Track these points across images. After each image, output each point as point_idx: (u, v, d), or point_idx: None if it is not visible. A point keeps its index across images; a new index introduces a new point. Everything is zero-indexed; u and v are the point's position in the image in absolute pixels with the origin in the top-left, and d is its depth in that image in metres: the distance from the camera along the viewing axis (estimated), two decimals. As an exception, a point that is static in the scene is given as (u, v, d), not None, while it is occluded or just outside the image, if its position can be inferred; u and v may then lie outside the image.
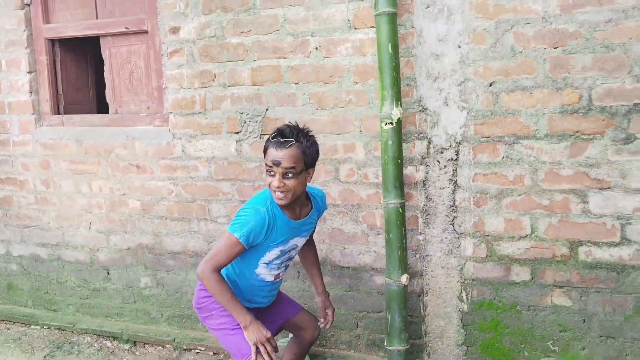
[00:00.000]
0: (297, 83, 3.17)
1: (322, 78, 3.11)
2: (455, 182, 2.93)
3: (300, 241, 2.61)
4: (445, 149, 2.93)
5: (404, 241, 2.75)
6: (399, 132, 2.68)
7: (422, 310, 3.11)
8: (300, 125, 2.43)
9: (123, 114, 3.72)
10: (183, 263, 3.63)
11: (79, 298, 3.99)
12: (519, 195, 2.83)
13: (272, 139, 2.34)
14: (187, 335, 3.62)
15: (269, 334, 2.41)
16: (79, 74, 4.08)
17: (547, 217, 2.80)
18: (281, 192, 2.33)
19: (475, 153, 2.88)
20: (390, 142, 2.67)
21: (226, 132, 3.38)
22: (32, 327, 4.01)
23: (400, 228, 2.74)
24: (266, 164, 2.34)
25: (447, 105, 2.90)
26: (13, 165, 4.01)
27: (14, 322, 4.09)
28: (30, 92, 3.86)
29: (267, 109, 3.26)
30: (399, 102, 2.65)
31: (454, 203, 2.95)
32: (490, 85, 2.81)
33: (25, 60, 3.83)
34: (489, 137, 2.85)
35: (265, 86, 3.25)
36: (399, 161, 2.69)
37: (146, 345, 3.69)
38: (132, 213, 3.71)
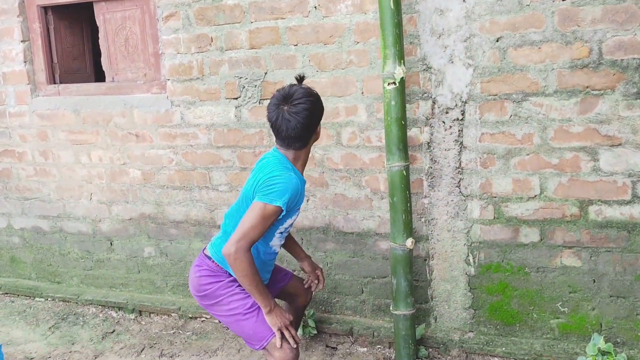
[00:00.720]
0: (296, 44, 3.07)
1: (321, 38, 3.01)
2: (461, 143, 2.85)
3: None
4: (450, 108, 2.84)
5: (408, 204, 2.68)
6: (403, 92, 2.59)
7: (428, 275, 3.06)
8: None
9: (120, 81, 3.64)
10: (186, 232, 3.59)
11: (82, 269, 3.97)
12: (528, 155, 2.75)
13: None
14: (193, 304, 3.59)
15: (291, 317, 2.37)
16: (75, 42, 3.98)
17: (556, 176, 2.72)
18: None
19: (482, 112, 2.79)
20: (393, 103, 2.58)
21: (225, 98, 3.29)
22: (37, 299, 4.00)
23: (404, 191, 2.67)
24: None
25: (452, 62, 2.80)
26: (10, 137, 3.94)
27: (18, 295, 4.08)
28: (25, 62, 3.77)
29: (265, 73, 3.17)
30: (402, 61, 2.55)
31: (459, 165, 2.87)
32: (497, 41, 2.71)
33: (18, 29, 3.73)
34: (496, 95, 2.75)
35: (263, 49, 3.15)
36: (403, 122, 2.60)
37: (152, 315, 3.67)
38: (133, 183, 3.65)
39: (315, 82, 3.05)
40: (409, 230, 2.71)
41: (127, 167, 3.64)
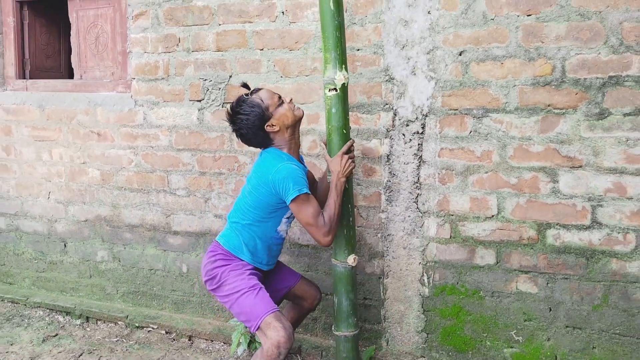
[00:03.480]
0: (262, 49, 3.03)
1: (287, 44, 2.97)
2: (421, 157, 2.77)
3: None
4: (411, 121, 2.77)
5: (351, 219, 2.53)
6: (344, 99, 2.46)
7: (381, 294, 2.93)
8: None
9: (87, 79, 3.59)
10: (140, 237, 3.48)
11: (35, 271, 3.84)
12: (486, 173, 2.66)
13: (251, 94, 2.46)
14: (141, 313, 3.45)
15: (342, 155, 2.44)
16: (50, 40, 3.95)
17: (514, 196, 2.62)
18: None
19: (442, 126, 2.71)
20: (334, 110, 2.44)
21: (188, 100, 3.23)
22: (-14, 299, 3.86)
23: (345, 205, 2.51)
24: (274, 99, 2.44)
25: (414, 74, 2.74)
26: (-25, 130, 3.88)
27: (-33, 294, 3.94)
28: (-5, 55, 3.74)
29: (230, 76, 3.12)
30: (344, 66, 2.44)
31: (418, 179, 2.78)
32: (460, 54, 2.65)
33: (-9, 21, 3.72)
34: (456, 109, 2.68)
35: (229, 52, 3.10)
36: (344, 131, 2.46)
37: (98, 322, 3.52)
38: (91, 183, 3.56)
39: (279, 87, 2.99)
40: (351, 246, 2.56)
41: (86, 166, 3.56)
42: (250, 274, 2.48)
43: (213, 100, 3.16)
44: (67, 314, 3.61)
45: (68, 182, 3.63)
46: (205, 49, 3.16)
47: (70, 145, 3.58)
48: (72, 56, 3.64)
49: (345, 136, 2.47)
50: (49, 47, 3.95)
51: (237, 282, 2.44)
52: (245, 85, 2.51)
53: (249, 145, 2.51)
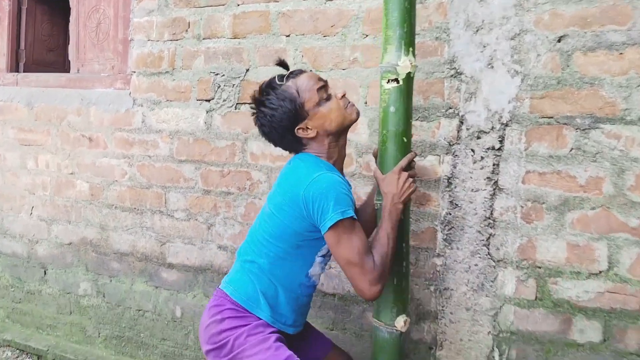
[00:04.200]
0: (289, 35, 2.34)
1: (321, 28, 2.27)
2: (496, 182, 1.98)
3: None
4: (484, 132, 1.99)
5: (404, 264, 1.77)
6: (408, 94, 1.73)
7: (432, 370, 2.12)
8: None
9: (84, 73, 2.98)
10: (129, 268, 2.79)
11: (11, 301, 3.20)
12: (593, 209, 1.85)
13: (286, 78, 1.71)
14: (123, 365, 2.75)
15: (399, 172, 1.69)
16: (53, 32, 3.40)
17: (634, 245, 1.79)
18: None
19: (530, 141, 1.93)
20: (392, 109, 1.71)
21: (195, 99, 2.56)
22: (-47, 330, 3.24)
23: (399, 243, 1.76)
24: (317, 91, 1.68)
25: (491, 68, 1.98)
26: (-41, 130, 3.33)
27: None
28: (-14, 43, 3.20)
29: (247, 69, 2.43)
30: (411, 49, 1.72)
31: (491, 214, 1.99)
32: (559, 41, 1.88)
33: (-16, 5, 3.19)
34: (551, 117, 1.90)
35: (248, 38, 2.43)
36: (404, 139, 1.73)
37: (73, 371, 2.83)
38: (78, 198, 2.92)
39: (306, 84, 2.28)
40: (403, 303, 1.77)
41: (74, 177, 2.92)
42: (276, 339, 1.69)
43: (225, 100, 2.48)
44: (38, 358, 2.94)
45: (53, 196, 3.00)
46: (219, 35, 2.49)
47: (58, 151, 2.96)
48: (69, 46, 3.06)
49: (406, 146, 1.72)
50: (51, 40, 3.40)
51: (261, 355, 1.65)
52: (282, 63, 1.78)
53: (275, 146, 1.78)
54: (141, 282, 2.75)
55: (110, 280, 2.85)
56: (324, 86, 1.70)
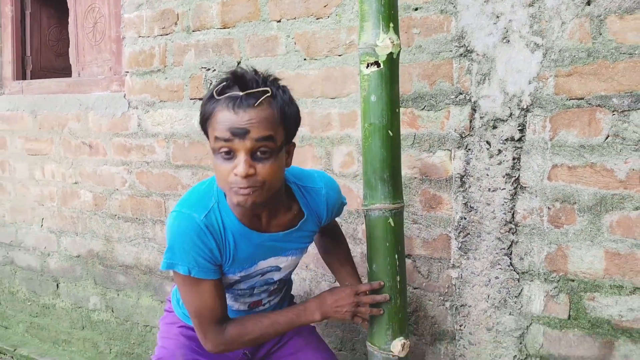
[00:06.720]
0: (280, 20, 2.08)
1: (313, 9, 2.00)
2: (517, 179, 1.66)
3: (283, 261, 1.53)
4: (501, 120, 1.67)
5: (397, 279, 1.47)
6: (392, 78, 1.40)
7: (452, 399, 1.83)
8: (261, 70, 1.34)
9: (84, 77, 2.84)
10: (135, 281, 2.63)
11: (29, 315, 3.12)
12: (637, 209, 1.50)
13: (221, 93, 1.27)
14: (132, 384, 2.59)
15: (349, 292, 1.46)
16: (61, 36, 3.28)
17: (693, 253, 1.44)
18: (250, 186, 1.25)
19: (556, 128, 1.59)
20: (373, 99, 1.41)
21: (189, 98, 2.35)
22: (-25, 345, 3.20)
23: (391, 255, 1.45)
24: (216, 139, 1.26)
25: (507, 42, 1.65)
26: (-27, 142, 3.27)
27: (-41, 337, 3.32)
28: (-9, 52, 3.12)
29: (238, 62, 2.20)
30: (391, 25, 1.38)
31: (512, 217, 1.67)
32: (588, 4, 1.53)
33: (-12, 12, 3.10)
34: (581, 98, 1.55)
35: (238, 27, 2.19)
36: (390, 133, 1.42)
37: (84, 390, 2.71)
38: (83, 208, 2.78)
39: (301, 75, 2.03)
40: (399, 324, 1.47)
41: (78, 187, 2.79)
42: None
43: (218, 98, 2.26)
44: (52, 374, 2.84)
45: (60, 207, 2.88)
46: (208, 26, 2.27)
47: (62, 161, 2.84)
48: (69, 49, 2.92)
49: (392, 141, 1.42)
50: (60, 44, 3.28)
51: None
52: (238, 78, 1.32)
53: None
54: (147, 296, 2.58)
55: (118, 295, 2.70)
56: (237, 140, 1.24)
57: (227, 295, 1.50)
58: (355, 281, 1.61)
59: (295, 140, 1.39)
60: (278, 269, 1.53)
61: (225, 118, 1.23)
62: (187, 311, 1.44)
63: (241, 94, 1.24)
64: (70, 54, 2.92)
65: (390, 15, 1.38)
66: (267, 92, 1.25)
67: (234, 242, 1.39)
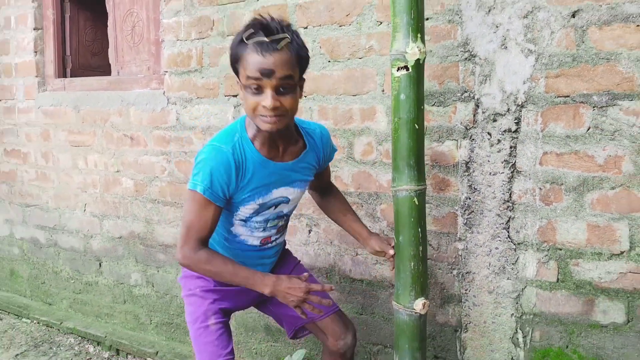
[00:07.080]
0: (307, 27, 2.37)
1: (336, 18, 2.29)
2: (514, 165, 1.96)
3: (291, 193, 1.82)
4: (500, 114, 1.97)
5: (420, 248, 1.79)
6: (419, 81, 1.74)
7: (458, 353, 2.14)
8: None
9: (123, 75, 3.14)
10: (174, 259, 2.94)
11: (72, 292, 3.44)
12: (613, 189, 1.80)
13: (250, 38, 1.54)
14: (172, 350, 2.91)
15: (304, 287, 1.68)
16: (97, 36, 3.57)
17: (658, 224, 1.74)
18: (276, 115, 1.56)
19: (546, 121, 1.89)
20: (402, 97, 1.72)
21: (223, 95, 2.65)
22: (24, 319, 3.52)
23: (415, 228, 1.77)
24: (247, 77, 1.54)
25: (505, 48, 1.95)
26: (18, 135, 3.57)
27: (8, 313, 3.63)
28: (35, 52, 3.41)
29: (269, 63, 2.49)
30: (419, 35, 1.71)
31: (510, 197, 1.98)
32: (573, 16, 1.83)
33: (32, 16, 3.39)
34: (567, 95, 1.85)
35: (268, 33, 2.48)
36: (416, 126, 1.74)
37: (128, 356, 3.02)
38: (125, 194, 3.09)
39: (325, 75, 2.32)
40: (421, 286, 1.80)
41: (120, 175, 3.09)
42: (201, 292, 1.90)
43: (250, 95, 2.56)
44: (97, 344, 3.16)
45: (102, 193, 3.19)
46: (241, 31, 2.56)
47: (104, 151, 3.14)
48: (109, 50, 3.21)
49: (417, 133, 1.73)
50: (95, 44, 3.57)
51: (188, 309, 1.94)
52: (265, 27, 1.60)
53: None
54: (184, 271, 2.90)
55: (158, 271, 3.01)
56: (265, 79, 1.52)
57: (244, 230, 1.81)
58: (359, 227, 1.93)
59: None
60: (287, 200, 1.82)
61: (255, 60, 1.52)
62: (182, 221, 1.69)
63: (267, 40, 1.52)
64: (110, 54, 3.21)
65: (418, 27, 1.68)
66: (286, 38, 1.54)
67: (252, 170, 1.69)
